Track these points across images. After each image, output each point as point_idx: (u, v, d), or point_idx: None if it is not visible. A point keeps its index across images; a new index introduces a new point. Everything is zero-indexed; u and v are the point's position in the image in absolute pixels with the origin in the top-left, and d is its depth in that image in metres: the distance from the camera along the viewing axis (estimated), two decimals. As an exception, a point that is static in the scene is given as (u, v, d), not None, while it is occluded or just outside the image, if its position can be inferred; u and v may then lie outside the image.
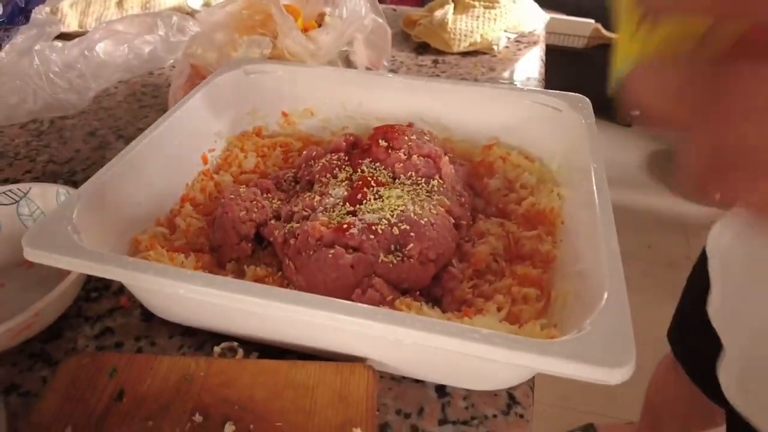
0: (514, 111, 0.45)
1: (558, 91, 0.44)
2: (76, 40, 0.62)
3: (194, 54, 0.49)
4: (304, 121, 0.50)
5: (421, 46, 0.76)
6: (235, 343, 0.32)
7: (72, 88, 0.60)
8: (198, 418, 0.27)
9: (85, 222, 0.31)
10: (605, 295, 0.25)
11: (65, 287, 0.32)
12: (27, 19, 0.56)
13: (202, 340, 0.34)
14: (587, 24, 1.64)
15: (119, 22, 0.64)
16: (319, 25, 0.58)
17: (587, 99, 0.42)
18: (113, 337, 0.34)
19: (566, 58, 1.61)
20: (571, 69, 1.50)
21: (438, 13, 0.75)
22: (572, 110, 0.42)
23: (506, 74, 0.70)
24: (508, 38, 0.75)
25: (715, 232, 0.53)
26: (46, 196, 0.41)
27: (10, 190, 0.40)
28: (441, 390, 0.31)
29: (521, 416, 0.30)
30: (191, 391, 0.28)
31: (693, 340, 0.62)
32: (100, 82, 0.62)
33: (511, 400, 0.31)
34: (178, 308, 0.34)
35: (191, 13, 0.73)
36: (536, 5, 0.81)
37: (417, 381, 0.32)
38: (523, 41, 0.77)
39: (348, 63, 0.52)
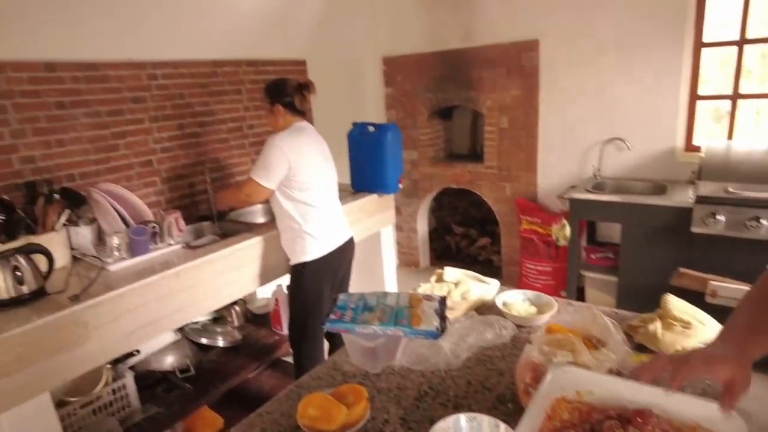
0: (707, 412, 0.89)
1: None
2: (459, 326, 1.26)
3: (534, 355, 1.06)
4: (587, 396, 1.00)
5: (640, 345, 1.24)
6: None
7: (453, 354, 1.21)
8: None
9: None
10: None
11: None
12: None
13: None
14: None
15: (475, 321, 1.28)
16: (590, 340, 1.12)
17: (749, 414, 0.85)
18: (525, 490, 0.84)
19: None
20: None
21: (651, 327, 1.25)
22: (738, 416, 0.85)
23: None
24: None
25: None
26: (483, 419, 0.96)
27: (475, 417, 0.96)
28: None
29: None
30: None
31: None
32: (465, 353, 1.22)
33: None
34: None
35: (506, 317, 1.35)
36: (718, 324, 1.25)
37: None
38: (711, 349, 1.21)
39: (611, 371, 1.03)
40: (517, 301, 1.43)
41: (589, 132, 3.17)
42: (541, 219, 3.25)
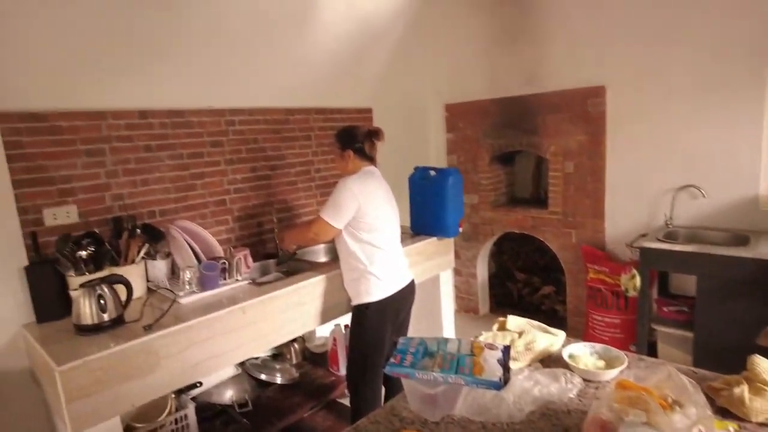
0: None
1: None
2: (523, 378, 1.22)
3: (603, 412, 1.00)
4: (666, 463, 0.93)
5: (723, 409, 1.14)
6: None
7: (516, 407, 1.16)
8: None
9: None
10: None
11: None
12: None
13: None
14: None
15: (539, 373, 1.23)
16: (665, 400, 1.04)
17: None
18: None
19: None
20: None
21: (736, 390, 1.15)
22: None
23: (797, 447, 1.02)
24: (796, 418, 1.08)
25: None
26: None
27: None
28: None
29: None
30: None
31: None
32: (529, 406, 1.18)
33: None
34: None
35: (572, 370, 1.29)
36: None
37: None
38: (809, 420, 1.09)
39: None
40: (585, 354, 1.37)
41: (660, 179, 3.04)
42: (609, 268, 3.11)
